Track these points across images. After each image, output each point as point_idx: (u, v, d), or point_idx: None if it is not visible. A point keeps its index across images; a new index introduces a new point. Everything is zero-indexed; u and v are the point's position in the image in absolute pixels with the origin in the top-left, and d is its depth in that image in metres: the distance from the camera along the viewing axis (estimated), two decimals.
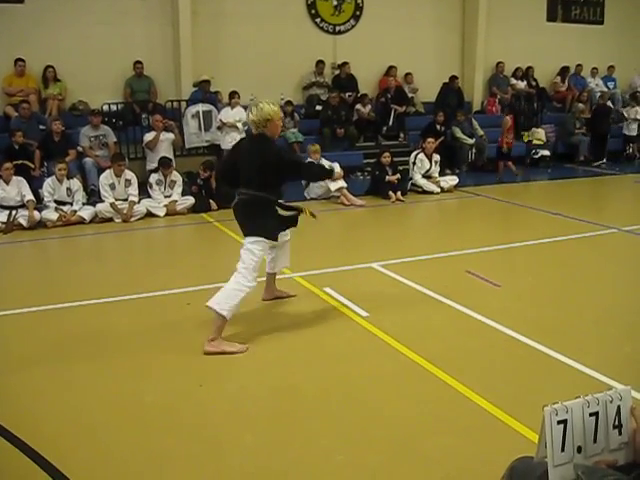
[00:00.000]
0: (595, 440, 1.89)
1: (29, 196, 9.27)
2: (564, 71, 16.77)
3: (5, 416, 3.91)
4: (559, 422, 1.84)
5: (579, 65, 16.95)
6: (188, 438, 3.71)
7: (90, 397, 4.24)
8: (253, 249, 5.02)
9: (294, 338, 5.15)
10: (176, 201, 10.00)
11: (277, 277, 6.15)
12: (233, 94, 12.03)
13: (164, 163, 10.25)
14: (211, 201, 10.11)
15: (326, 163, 10.90)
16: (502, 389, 4.20)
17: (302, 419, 3.90)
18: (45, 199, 9.48)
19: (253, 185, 5.07)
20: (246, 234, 5.14)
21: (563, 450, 1.84)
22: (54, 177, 9.54)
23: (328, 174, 6.19)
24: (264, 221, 5.10)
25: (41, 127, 11.37)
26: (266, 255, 5.56)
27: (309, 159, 10.91)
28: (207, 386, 4.33)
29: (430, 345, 4.90)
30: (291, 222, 5.51)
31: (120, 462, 3.50)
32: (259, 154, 5.08)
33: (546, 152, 14.81)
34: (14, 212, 9.12)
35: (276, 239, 5.26)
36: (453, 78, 14.95)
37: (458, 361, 4.63)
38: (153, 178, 10.20)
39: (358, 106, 14.07)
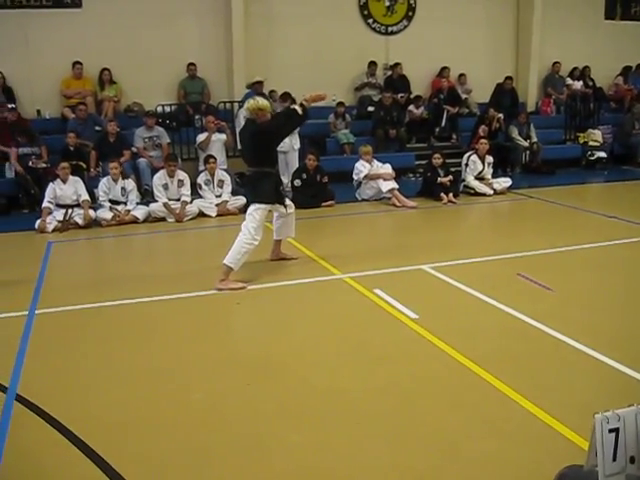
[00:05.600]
0: None
1: (85, 196, 9.47)
2: (626, 70, 16.37)
3: (57, 409, 3.99)
4: (610, 430, 1.79)
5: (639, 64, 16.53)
6: (233, 436, 3.73)
7: (139, 393, 4.29)
8: (254, 214, 6.40)
9: (342, 340, 5.13)
10: (227, 201, 10.08)
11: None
12: (285, 96, 12.06)
13: (207, 160, 10.38)
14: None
15: (378, 164, 10.90)
16: (552, 394, 4.11)
17: (348, 420, 3.88)
18: (100, 198, 9.69)
19: (252, 162, 6.59)
20: (249, 202, 6.59)
21: (615, 460, 1.79)
22: (109, 177, 9.74)
23: (295, 116, 6.47)
24: (261, 190, 6.44)
25: (97, 128, 11.63)
26: (273, 224, 7.16)
27: (361, 160, 10.94)
28: (255, 385, 4.34)
29: (479, 348, 4.83)
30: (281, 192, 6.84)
31: (165, 458, 3.53)
32: (250, 136, 6.50)
33: (602, 154, 14.47)
34: (70, 211, 9.33)
35: (273, 203, 6.57)
36: (507, 79, 14.74)
37: (507, 364, 4.55)
38: (201, 178, 10.32)
39: (411, 107, 14.02)
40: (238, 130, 11.96)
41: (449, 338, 4.97)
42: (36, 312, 5.83)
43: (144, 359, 4.84)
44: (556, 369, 4.52)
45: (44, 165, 10.57)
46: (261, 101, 6.55)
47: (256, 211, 6.42)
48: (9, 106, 11.07)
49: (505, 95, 14.71)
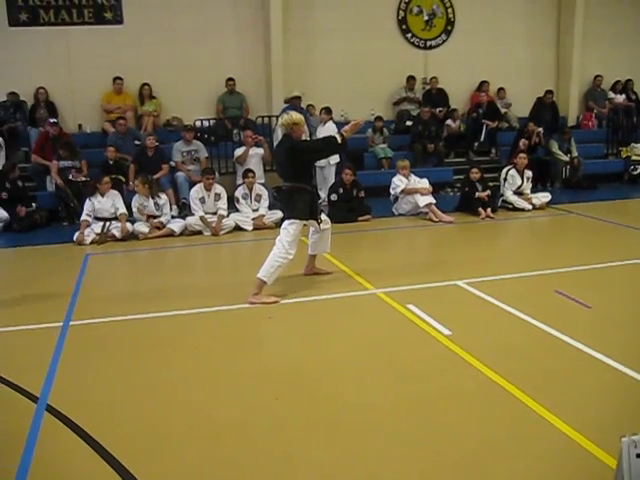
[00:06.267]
0: None
1: (122, 209, 9.58)
2: None
3: (87, 421, 4.00)
4: (638, 455, 1.72)
5: None
6: (260, 451, 3.70)
7: (169, 406, 4.29)
8: (289, 228, 6.42)
9: (374, 355, 5.08)
10: (263, 215, 10.10)
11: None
12: (328, 110, 12.06)
13: (246, 174, 10.39)
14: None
15: (415, 179, 10.83)
16: (585, 414, 4.00)
17: (376, 437, 3.82)
18: (134, 214, 9.80)
19: (287, 177, 6.64)
20: (284, 218, 6.63)
21: None
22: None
23: (333, 143, 6.50)
24: (296, 206, 6.44)
25: (136, 142, 11.75)
26: (309, 238, 7.09)
27: (398, 174, 10.88)
28: (282, 400, 4.31)
29: (513, 365, 4.73)
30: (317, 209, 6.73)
31: (192, 473, 3.51)
32: (285, 152, 6.49)
33: None
34: (107, 224, 9.44)
35: (307, 219, 6.54)
36: (547, 92, 14.57)
37: (540, 383, 4.45)
38: (239, 192, 10.35)
39: (448, 121, 13.94)
40: (276, 145, 12.15)
41: (482, 355, 4.88)
42: (70, 323, 5.89)
43: (175, 372, 4.84)
44: (592, 389, 4.40)
45: (84, 179, 10.73)
46: (295, 115, 6.56)
47: (290, 225, 6.42)
48: (51, 120, 11.28)
49: (545, 109, 14.55)
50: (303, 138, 6.82)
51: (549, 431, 3.82)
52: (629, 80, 15.86)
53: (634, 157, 14.41)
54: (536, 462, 3.53)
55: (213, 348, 5.34)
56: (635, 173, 14.17)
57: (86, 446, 3.75)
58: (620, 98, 15.70)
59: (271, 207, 10.37)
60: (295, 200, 6.47)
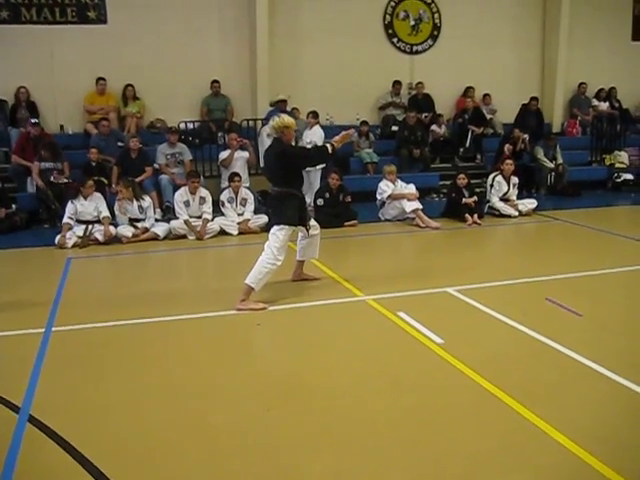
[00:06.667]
0: None
1: (105, 212, 9.43)
2: None
3: (70, 431, 3.86)
4: None
5: None
6: (253, 464, 3.58)
7: (155, 416, 4.16)
8: (278, 234, 6.25)
9: (366, 364, 4.97)
10: (249, 220, 9.98)
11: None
12: (312, 115, 11.97)
13: (232, 178, 10.25)
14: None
15: (402, 184, 10.77)
16: (581, 424, 3.92)
17: (373, 449, 3.72)
18: (117, 218, 9.62)
19: (276, 182, 6.46)
20: (272, 223, 6.43)
21: None
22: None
23: (324, 152, 6.52)
24: (285, 211, 6.29)
25: (119, 144, 11.58)
26: (297, 244, 6.96)
27: (384, 179, 10.80)
28: (275, 411, 4.19)
29: (507, 376, 4.65)
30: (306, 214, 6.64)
31: None
32: (275, 156, 6.36)
33: (629, 176, 14.26)
34: (90, 227, 9.27)
35: (296, 225, 6.41)
36: (532, 99, 14.59)
37: (535, 393, 4.37)
38: (224, 196, 10.22)
39: (433, 127, 13.89)
40: (261, 148, 12.03)
41: (476, 365, 4.80)
42: (53, 329, 5.73)
43: (161, 381, 4.71)
44: (587, 399, 4.33)
45: (66, 180, 10.55)
46: (287, 118, 6.45)
47: (280, 231, 6.28)
48: (32, 121, 11.07)
49: (530, 116, 14.55)
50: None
51: (546, 442, 3.74)
52: (612, 88, 15.94)
53: (618, 165, 14.48)
54: (534, 474, 3.46)
55: (201, 356, 5.21)
56: (618, 181, 14.21)
57: (70, 459, 3.61)
58: (604, 106, 15.77)
59: (256, 211, 10.23)
60: (284, 206, 6.34)
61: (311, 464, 3.59)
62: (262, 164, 11.85)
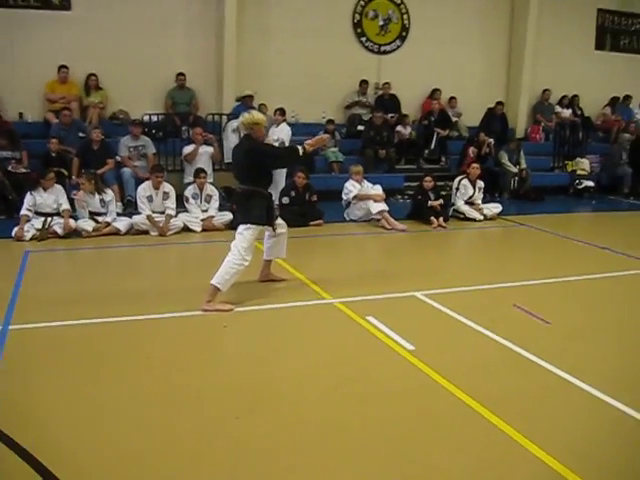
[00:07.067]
0: None
1: (66, 205, 9.15)
2: (614, 101, 16.42)
3: (26, 437, 3.68)
4: None
5: (627, 95, 16.57)
6: (222, 475, 3.47)
7: (116, 424, 3.98)
8: (245, 234, 6.10)
9: (337, 371, 4.86)
10: (213, 217, 9.79)
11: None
12: (279, 112, 11.81)
13: (198, 174, 10.05)
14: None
15: (368, 184, 10.71)
16: (557, 437, 3.88)
17: (345, 461, 3.62)
18: (77, 212, 9.33)
19: (243, 180, 6.31)
20: (239, 222, 6.26)
21: None
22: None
23: (294, 154, 6.36)
24: (252, 210, 6.15)
25: (81, 135, 11.29)
26: (264, 243, 6.82)
27: (350, 179, 10.72)
28: (244, 419, 4.06)
29: (480, 385, 4.59)
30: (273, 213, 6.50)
31: None
32: (245, 153, 6.22)
33: (590, 183, 14.44)
34: (49, 219, 8.98)
35: (263, 225, 6.28)
36: (498, 104, 14.67)
37: (509, 403, 4.33)
38: (189, 191, 10.01)
39: (399, 127, 13.86)
40: (226, 143, 11.86)
41: (448, 373, 4.73)
42: (10, 327, 5.49)
43: (122, 386, 4.52)
44: (561, 410, 4.30)
45: (24, 170, 10.24)
46: (257, 115, 6.34)
47: (246, 231, 6.13)
48: None
49: (495, 120, 14.66)
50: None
51: (524, 457, 3.69)
52: (575, 96, 16.15)
53: (579, 171, 14.64)
54: None
55: (165, 359, 5.04)
56: (580, 187, 14.38)
57: (27, 467, 3.43)
58: (566, 113, 15.95)
59: (221, 208, 10.06)
60: (251, 204, 6.18)
61: (283, 475, 3.48)
62: (227, 160, 11.90)
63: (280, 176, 11.45)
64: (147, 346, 5.30)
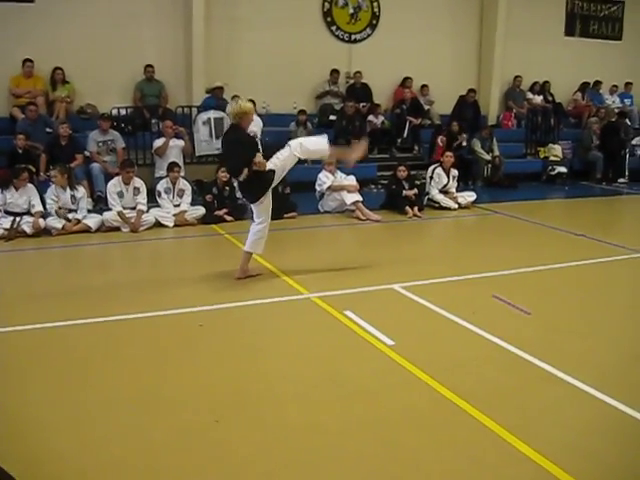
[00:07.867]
0: None
1: (38, 207, 8.92)
2: (584, 87, 16.47)
3: (8, 449, 3.52)
4: None
5: (597, 81, 16.64)
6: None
7: (89, 431, 3.84)
8: (265, 202, 6.65)
9: (316, 369, 4.77)
10: (185, 211, 9.63)
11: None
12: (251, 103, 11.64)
13: (171, 168, 9.87)
14: (226, 216, 9.79)
15: (341, 175, 10.63)
16: (545, 433, 3.83)
17: (326, 461, 3.54)
18: (48, 207, 9.09)
19: (239, 167, 6.39)
20: (252, 201, 6.73)
21: None
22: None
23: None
24: (261, 183, 6.46)
25: (48, 130, 11.04)
26: (248, 235, 6.89)
27: (324, 170, 10.63)
28: (223, 422, 3.95)
29: (463, 380, 4.52)
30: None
31: None
32: (236, 142, 6.44)
33: (563, 169, 14.48)
34: (18, 219, 8.76)
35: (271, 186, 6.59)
36: (470, 91, 14.64)
37: (493, 399, 4.26)
38: (161, 186, 9.82)
39: (370, 117, 13.75)
40: (196, 135, 11.69)
41: (430, 368, 4.66)
42: None
43: (94, 391, 4.37)
44: (546, 405, 4.24)
45: None
46: (244, 104, 6.49)
47: (266, 198, 6.65)
48: None
49: (467, 107, 14.62)
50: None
51: (512, 454, 3.62)
52: (546, 82, 16.15)
53: (552, 158, 14.66)
54: None
55: (140, 361, 4.91)
56: (553, 174, 14.42)
57: None
58: (538, 99, 15.96)
59: (193, 203, 9.89)
60: (259, 179, 6.43)
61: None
62: (198, 153, 11.72)
63: None
64: (122, 348, 5.14)
